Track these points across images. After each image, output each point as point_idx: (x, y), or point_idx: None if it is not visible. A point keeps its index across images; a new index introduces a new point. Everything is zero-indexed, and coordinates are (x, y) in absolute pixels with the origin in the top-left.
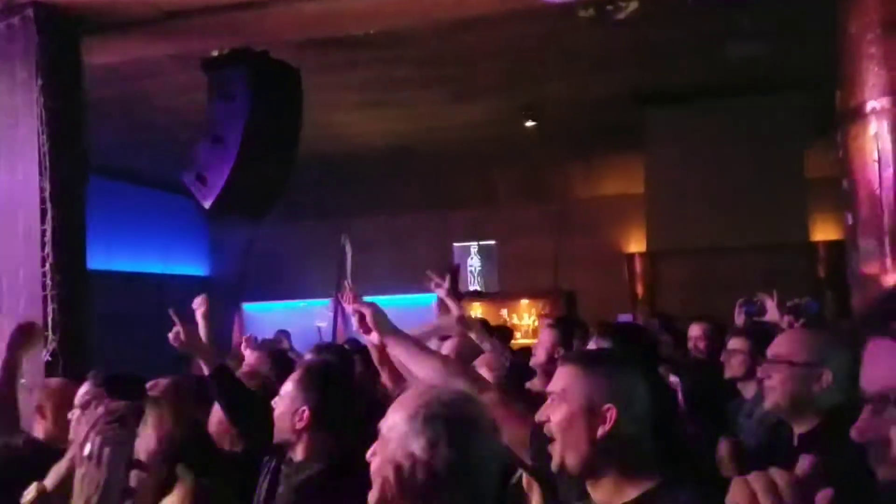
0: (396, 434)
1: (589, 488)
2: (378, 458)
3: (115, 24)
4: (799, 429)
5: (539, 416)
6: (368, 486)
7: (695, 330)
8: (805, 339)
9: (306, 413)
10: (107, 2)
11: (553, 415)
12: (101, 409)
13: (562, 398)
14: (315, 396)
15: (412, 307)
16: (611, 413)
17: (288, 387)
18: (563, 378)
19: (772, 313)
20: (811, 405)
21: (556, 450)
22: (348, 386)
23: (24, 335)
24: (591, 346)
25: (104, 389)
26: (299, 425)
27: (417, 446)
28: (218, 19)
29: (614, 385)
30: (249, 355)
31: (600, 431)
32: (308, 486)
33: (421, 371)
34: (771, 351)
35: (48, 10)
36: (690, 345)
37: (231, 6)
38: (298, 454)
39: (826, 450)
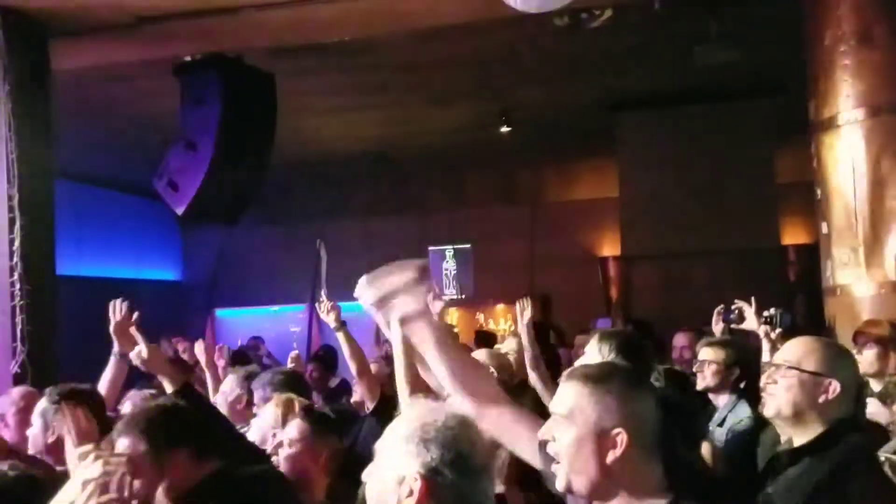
0: (391, 456)
1: None
2: (373, 479)
3: (84, 28)
4: (798, 439)
5: (543, 435)
6: None
7: (680, 339)
8: (816, 347)
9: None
10: (76, 6)
11: (559, 436)
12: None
13: (569, 420)
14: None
15: None
16: (622, 437)
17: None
18: (570, 397)
19: (750, 321)
20: (814, 415)
21: (562, 471)
22: None
23: None
24: (592, 351)
25: (65, 402)
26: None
27: (411, 470)
28: (189, 25)
29: (626, 406)
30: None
31: (611, 457)
32: None
33: (449, 367)
34: (779, 357)
35: (15, 14)
36: (675, 354)
37: (202, 12)
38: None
39: (823, 460)
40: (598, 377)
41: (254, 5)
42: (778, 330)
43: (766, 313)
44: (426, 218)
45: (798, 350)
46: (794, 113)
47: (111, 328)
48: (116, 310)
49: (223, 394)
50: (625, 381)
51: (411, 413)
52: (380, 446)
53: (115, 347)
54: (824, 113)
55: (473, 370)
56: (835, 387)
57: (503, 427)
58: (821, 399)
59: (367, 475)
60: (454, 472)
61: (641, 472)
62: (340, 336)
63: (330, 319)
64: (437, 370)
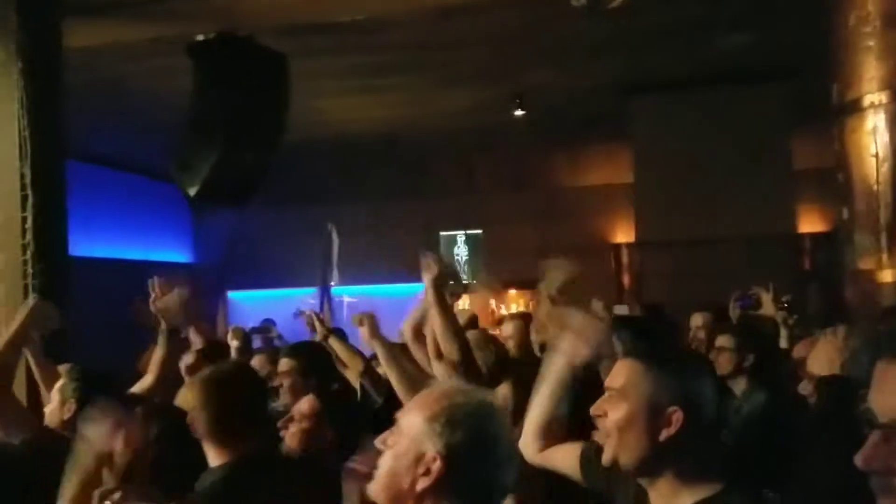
0: (413, 431)
1: (644, 485)
2: (390, 452)
3: (96, 7)
4: None
5: (595, 410)
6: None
7: (697, 319)
8: None
9: None
10: None
11: (611, 411)
12: None
13: (622, 395)
14: None
15: (397, 296)
16: (677, 416)
17: None
18: (625, 374)
19: (767, 307)
20: None
21: (610, 445)
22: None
23: (38, 312)
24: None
25: (82, 384)
26: None
27: (432, 449)
28: (201, 4)
29: (683, 385)
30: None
31: (663, 434)
32: None
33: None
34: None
35: None
36: (690, 335)
37: None
38: None
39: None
40: (655, 356)
41: None
42: (795, 316)
43: (784, 299)
44: (437, 202)
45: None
46: (811, 97)
47: (153, 306)
48: (156, 287)
49: None
50: (683, 360)
51: (440, 390)
52: (402, 418)
53: (162, 325)
54: (847, 96)
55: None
56: None
57: None
58: None
59: (381, 442)
60: (476, 458)
61: (694, 455)
62: (332, 342)
63: (318, 329)
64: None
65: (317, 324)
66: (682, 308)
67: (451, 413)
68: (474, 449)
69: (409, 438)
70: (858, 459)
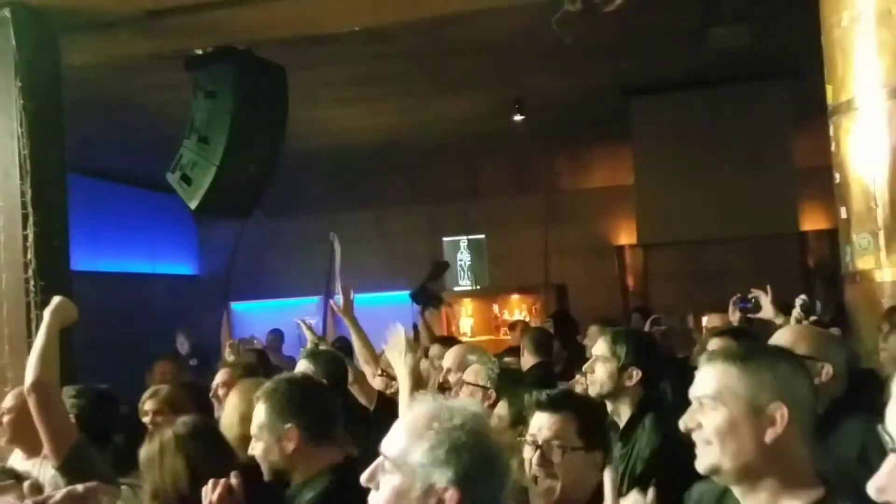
0: (413, 464)
1: (738, 494)
2: (389, 492)
3: (94, 23)
4: None
5: (686, 424)
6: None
7: (713, 320)
8: (805, 333)
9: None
10: (86, 2)
11: (707, 421)
12: None
13: (717, 400)
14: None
15: (401, 303)
16: (781, 413)
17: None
18: (716, 377)
19: (766, 310)
20: None
21: (710, 454)
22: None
23: (62, 310)
24: (601, 349)
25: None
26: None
27: (442, 479)
28: (199, 18)
29: (781, 381)
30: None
31: (770, 435)
32: None
33: None
34: (770, 342)
35: (26, 10)
36: (706, 335)
37: (212, 5)
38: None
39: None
40: (745, 354)
41: None
42: (813, 318)
43: (798, 300)
44: (440, 208)
45: (790, 336)
46: (812, 95)
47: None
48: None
49: None
50: (775, 356)
51: (424, 412)
52: (392, 451)
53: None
54: (842, 95)
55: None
56: (827, 369)
57: None
58: (814, 382)
59: (369, 480)
60: (485, 475)
61: (797, 457)
62: (347, 321)
63: (341, 304)
64: None
65: (307, 332)
66: (688, 308)
67: (451, 437)
68: (483, 467)
69: (411, 472)
70: (871, 488)
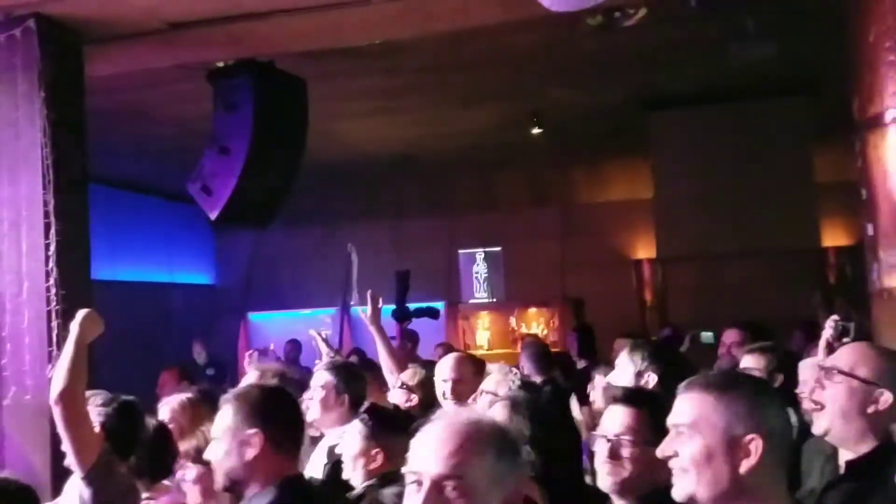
0: (486, 473)
1: None
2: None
3: (117, 35)
4: (847, 454)
5: (663, 452)
6: None
7: (731, 335)
8: (870, 354)
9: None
10: (109, 13)
11: (683, 449)
12: None
13: (694, 429)
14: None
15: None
16: (756, 444)
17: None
18: (693, 406)
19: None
20: (862, 426)
21: (687, 483)
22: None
23: (90, 321)
24: (623, 362)
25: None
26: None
27: (505, 487)
28: (220, 30)
29: (757, 412)
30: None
31: (744, 466)
32: None
33: None
34: (830, 361)
35: (50, 21)
36: (723, 350)
37: (233, 17)
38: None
39: (876, 479)
40: (722, 384)
41: (284, 10)
42: (845, 340)
43: (831, 321)
44: (456, 220)
45: (852, 356)
46: (833, 111)
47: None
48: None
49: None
50: (752, 387)
51: (454, 428)
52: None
53: None
54: (869, 110)
55: None
56: (886, 398)
57: None
58: (870, 409)
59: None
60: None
61: (773, 486)
62: (373, 330)
63: (368, 313)
64: None
65: (321, 344)
66: (706, 324)
67: (506, 441)
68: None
69: (486, 483)
70: None
